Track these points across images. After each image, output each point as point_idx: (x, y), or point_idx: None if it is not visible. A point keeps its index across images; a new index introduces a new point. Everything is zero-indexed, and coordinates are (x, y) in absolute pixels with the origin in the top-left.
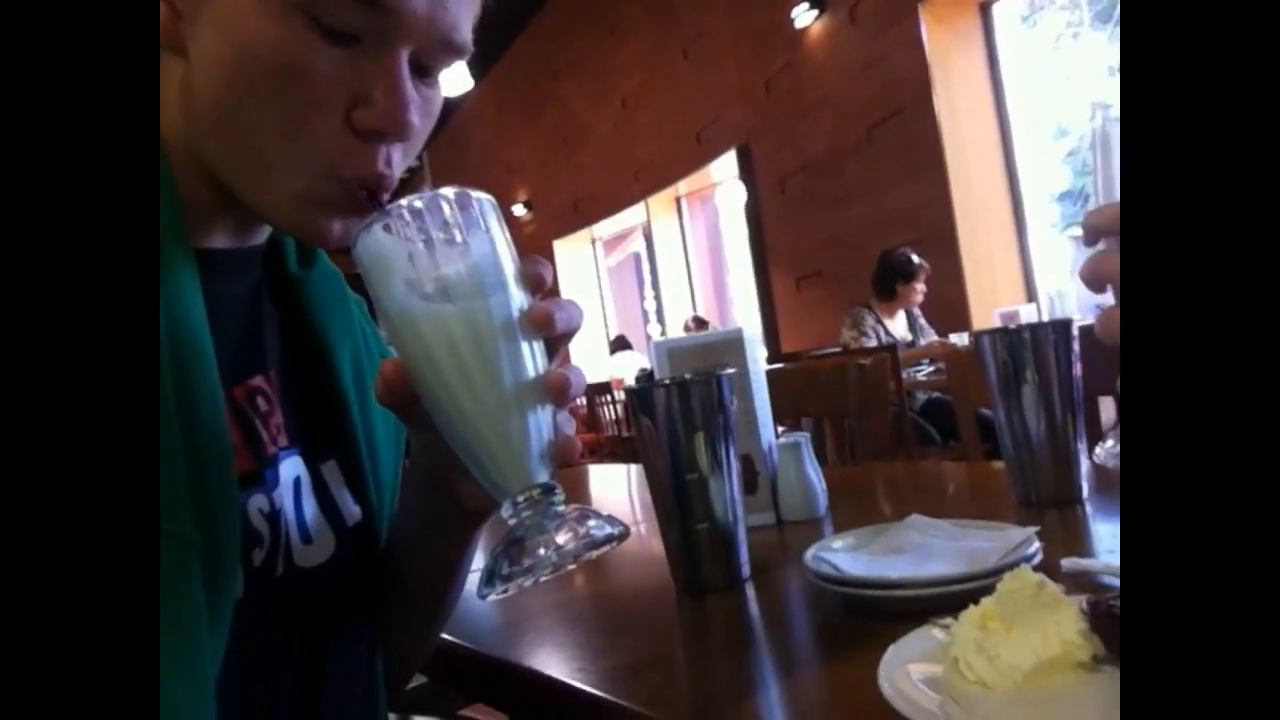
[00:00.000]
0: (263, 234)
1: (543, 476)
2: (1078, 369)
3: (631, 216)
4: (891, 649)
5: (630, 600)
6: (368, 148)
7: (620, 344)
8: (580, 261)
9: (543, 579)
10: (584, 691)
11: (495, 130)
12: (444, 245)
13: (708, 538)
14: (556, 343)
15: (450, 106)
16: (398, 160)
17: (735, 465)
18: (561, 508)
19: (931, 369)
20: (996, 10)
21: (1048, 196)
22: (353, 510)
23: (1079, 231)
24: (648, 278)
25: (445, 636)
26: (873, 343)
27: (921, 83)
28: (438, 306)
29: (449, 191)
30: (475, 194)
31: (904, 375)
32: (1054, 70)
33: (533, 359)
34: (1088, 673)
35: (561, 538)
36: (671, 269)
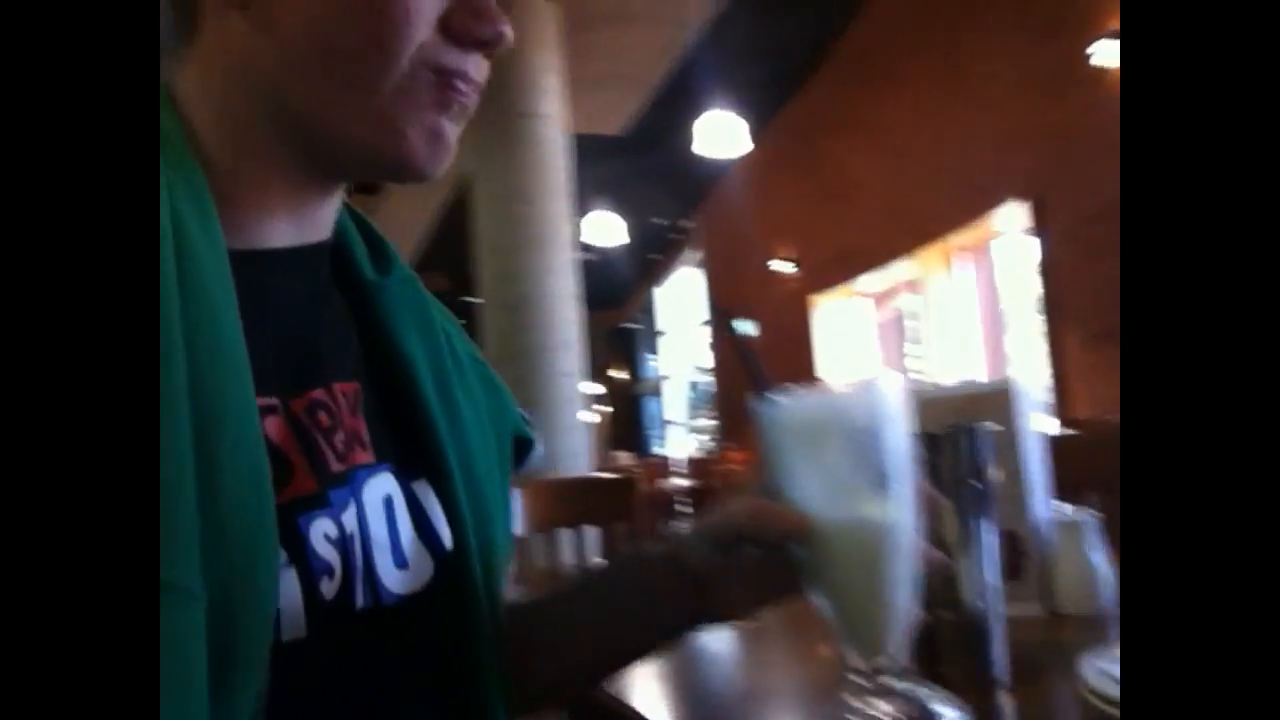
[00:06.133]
0: (325, 228)
1: (897, 649)
2: None
3: (900, 271)
4: None
5: None
6: (464, 52)
7: None
8: (843, 318)
9: None
10: None
11: (762, 190)
12: (880, 430)
13: (951, 628)
14: None
15: (720, 170)
16: (485, 70)
17: (992, 541)
18: (902, 684)
19: None
20: None
21: None
22: (448, 535)
23: None
24: (915, 335)
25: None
26: None
27: None
28: (869, 492)
29: (886, 384)
30: (893, 383)
31: None
32: None
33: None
34: None
35: (897, 709)
36: (942, 326)
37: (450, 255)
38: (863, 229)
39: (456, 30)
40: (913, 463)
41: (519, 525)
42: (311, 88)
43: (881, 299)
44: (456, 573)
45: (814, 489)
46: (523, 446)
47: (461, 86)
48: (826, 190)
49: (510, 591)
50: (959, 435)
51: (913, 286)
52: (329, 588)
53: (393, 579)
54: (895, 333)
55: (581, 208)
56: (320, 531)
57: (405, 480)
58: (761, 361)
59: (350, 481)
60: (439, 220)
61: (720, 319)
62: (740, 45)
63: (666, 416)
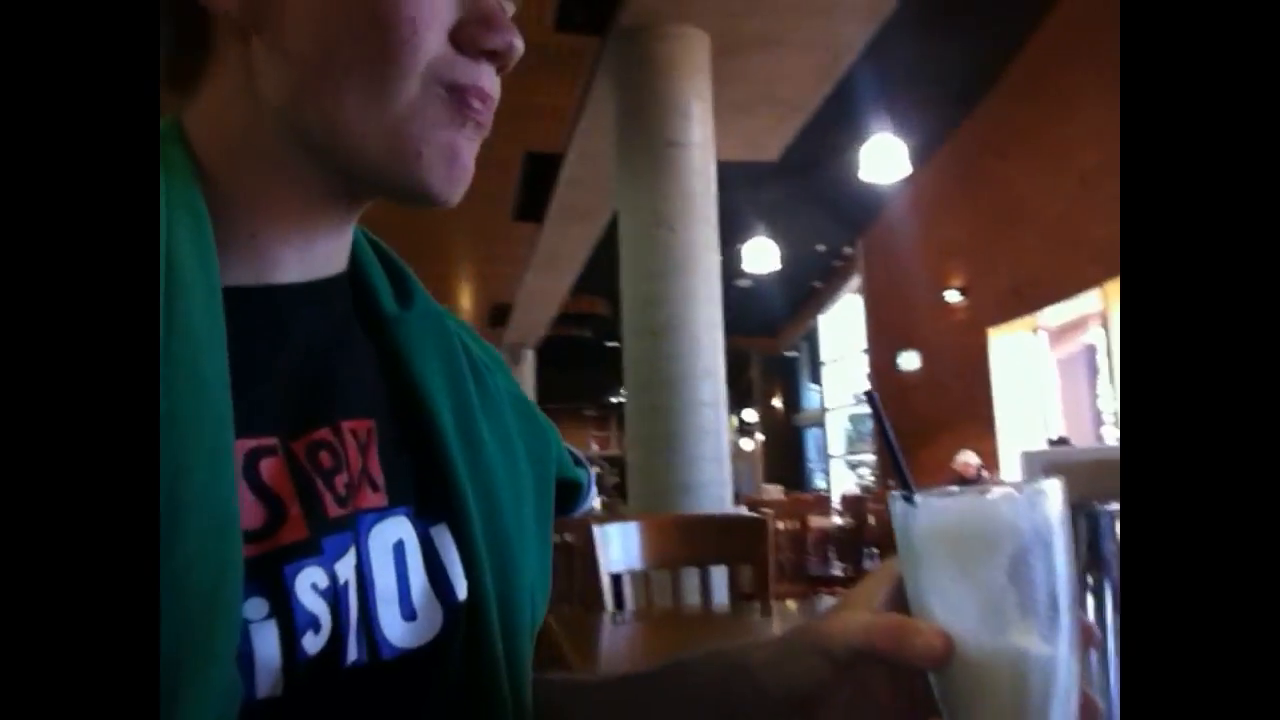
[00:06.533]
0: (340, 259)
1: None
2: None
3: (1084, 304)
4: None
5: None
6: (476, 64)
7: (1060, 446)
8: (1019, 352)
9: None
10: None
11: (930, 214)
12: (1045, 547)
13: None
14: None
15: (884, 194)
16: (498, 86)
17: (1115, 642)
18: None
19: None
20: None
21: None
22: (463, 584)
23: None
24: (1105, 374)
25: None
26: None
27: None
28: (1027, 619)
29: (1052, 490)
30: (1058, 489)
31: None
32: None
33: None
34: None
35: None
36: None
37: (611, 282)
38: (1041, 258)
39: (465, 41)
40: (1076, 585)
41: (639, 560)
42: (325, 108)
43: (1063, 333)
44: (470, 624)
45: (963, 609)
46: (575, 489)
47: (475, 103)
48: (999, 217)
49: (606, 637)
50: (1076, 517)
51: (1101, 321)
52: (313, 642)
53: (396, 632)
54: (1082, 369)
55: (738, 235)
56: (308, 581)
57: (423, 525)
58: (904, 454)
59: (352, 527)
60: (598, 247)
61: (868, 399)
62: (903, 68)
63: (829, 450)
